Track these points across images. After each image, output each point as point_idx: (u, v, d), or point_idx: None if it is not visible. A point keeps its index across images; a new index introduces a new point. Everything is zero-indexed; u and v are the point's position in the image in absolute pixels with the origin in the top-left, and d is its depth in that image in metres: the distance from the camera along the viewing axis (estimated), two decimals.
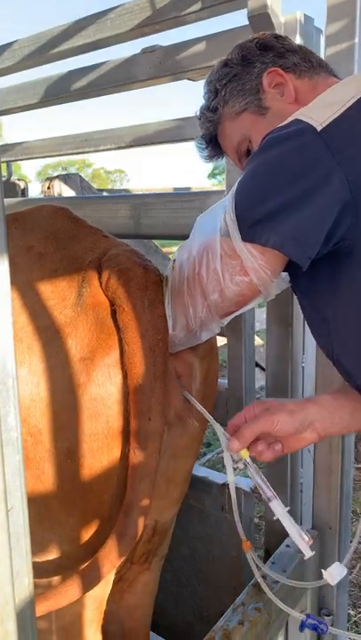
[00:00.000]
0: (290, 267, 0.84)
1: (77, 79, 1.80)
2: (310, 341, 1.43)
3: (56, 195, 3.96)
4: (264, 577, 1.04)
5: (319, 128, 0.78)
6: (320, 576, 1.21)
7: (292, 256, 0.79)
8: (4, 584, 0.57)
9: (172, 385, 1.00)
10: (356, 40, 1.22)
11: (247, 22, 1.30)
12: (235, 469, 0.93)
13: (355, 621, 2.27)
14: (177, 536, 1.61)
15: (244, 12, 1.30)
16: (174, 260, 0.95)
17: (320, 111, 0.80)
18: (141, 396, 0.92)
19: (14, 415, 0.60)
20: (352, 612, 2.31)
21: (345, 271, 0.80)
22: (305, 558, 0.90)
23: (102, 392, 0.93)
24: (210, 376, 1.11)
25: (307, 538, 0.89)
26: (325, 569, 0.89)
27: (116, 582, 1.13)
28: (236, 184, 0.86)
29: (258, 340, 4.33)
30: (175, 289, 0.93)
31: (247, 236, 0.81)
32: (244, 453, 0.90)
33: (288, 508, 0.91)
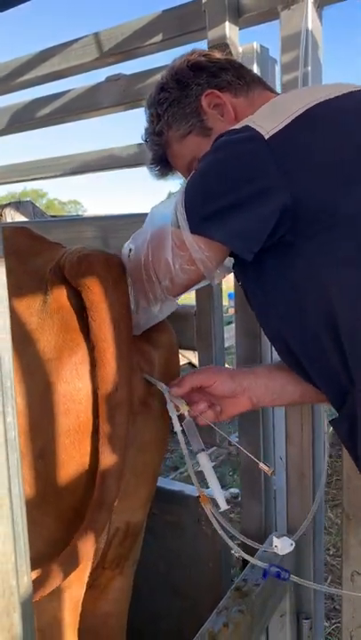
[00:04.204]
0: (236, 256, 0.93)
1: (42, 107, 1.85)
2: None
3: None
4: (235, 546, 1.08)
5: (267, 136, 0.85)
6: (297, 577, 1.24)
7: (238, 251, 0.89)
8: (9, 577, 0.58)
9: (133, 373, 1.04)
10: (309, 68, 1.31)
11: None
12: (178, 417, 1.04)
13: (329, 632, 2.28)
14: (153, 551, 1.61)
15: (205, 42, 1.39)
16: (130, 250, 1.01)
17: (267, 121, 0.88)
18: (108, 368, 0.95)
19: (12, 415, 0.63)
20: (326, 624, 2.31)
21: (287, 260, 0.90)
22: (220, 511, 0.99)
23: (71, 388, 0.97)
24: (170, 369, 1.16)
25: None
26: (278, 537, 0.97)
27: (88, 588, 1.13)
28: (187, 180, 0.94)
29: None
30: (134, 275, 1.00)
31: (196, 229, 0.89)
32: (184, 407, 1.02)
33: (215, 463, 1.01)
